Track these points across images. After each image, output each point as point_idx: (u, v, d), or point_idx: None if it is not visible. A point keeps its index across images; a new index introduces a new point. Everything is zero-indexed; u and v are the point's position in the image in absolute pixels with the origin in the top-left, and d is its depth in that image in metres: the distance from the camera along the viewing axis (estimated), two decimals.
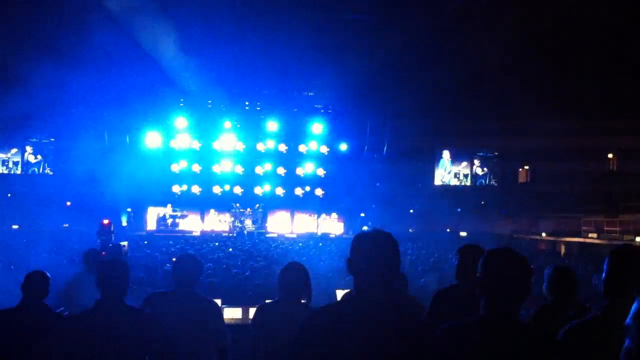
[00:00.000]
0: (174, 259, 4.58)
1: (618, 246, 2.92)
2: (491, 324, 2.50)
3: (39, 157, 24.30)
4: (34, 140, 24.22)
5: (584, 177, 22.93)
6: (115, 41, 17.62)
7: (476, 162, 27.07)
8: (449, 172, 26.95)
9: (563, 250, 21.88)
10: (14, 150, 24.30)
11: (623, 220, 21.27)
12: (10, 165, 24.26)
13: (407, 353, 2.33)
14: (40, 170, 24.27)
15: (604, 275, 2.78)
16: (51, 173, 23.80)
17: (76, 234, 16.71)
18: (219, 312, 4.53)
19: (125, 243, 9.34)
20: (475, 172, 27.04)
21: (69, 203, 22.68)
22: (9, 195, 22.28)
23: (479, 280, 2.60)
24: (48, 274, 4.35)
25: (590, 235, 22.18)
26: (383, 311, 2.37)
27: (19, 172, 24.23)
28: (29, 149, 24.34)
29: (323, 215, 25.15)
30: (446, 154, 26.89)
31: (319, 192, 25.36)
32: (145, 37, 17.94)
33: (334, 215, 25.27)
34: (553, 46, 18.71)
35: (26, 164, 24.32)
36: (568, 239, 22.66)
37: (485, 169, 27.00)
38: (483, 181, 26.99)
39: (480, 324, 2.53)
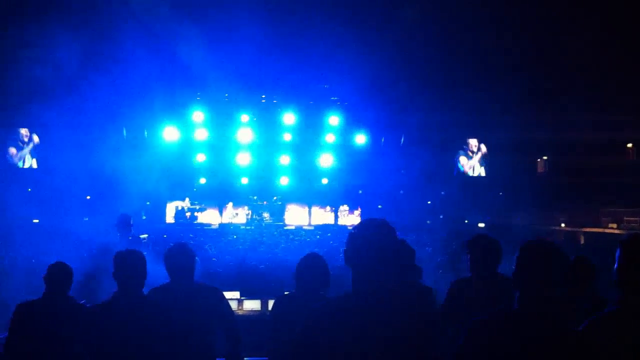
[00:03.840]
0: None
1: (628, 235, 2.89)
2: (523, 317, 2.49)
3: (56, 150, 24.35)
4: (52, 133, 24.29)
5: (602, 168, 22.76)
6: (132, 35, 17.72)
7: (475, 146, 26.77)
8: (465, 163, 26.75)
9: (582, 240, 21.72)
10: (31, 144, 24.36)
11: None
12: (29, 159, 24.36)
13: (412, 345, 2.30)
14: (59, 165, 24.33)
15: (615, 266, 2.76)
16: (70, 168, 23.93)
17: (96, 227, 16.86)
18: (221, 297, 4.57)
19: (145, 236, 9.44)
20: (493, 163, 26.83)
21: (88, 197, 22.85)
22: (29, 189, 22.47)
23: (512, 274, 2.59)
24: (70, 266, 4.40)
25: (610, 225, 22.00)
26: (382, 303, 2.35)
27: (37, 166, 24.32)
28: (25, 134, 24.31)
29: (341, 207, 25.11)
30: (463, 146, 26.67)
31: (336, 184, 25.32)
32: (162, 31, 18.00)
33: (349, 207, 25.20)
34: (570, 39, 18.57)
35: (44, 159, 24.39)
36: (587, 229, 22.50)
37: (502, 160, 26.78)
38: (501, 172, 26.78)
39: (512, 317, 2.51)
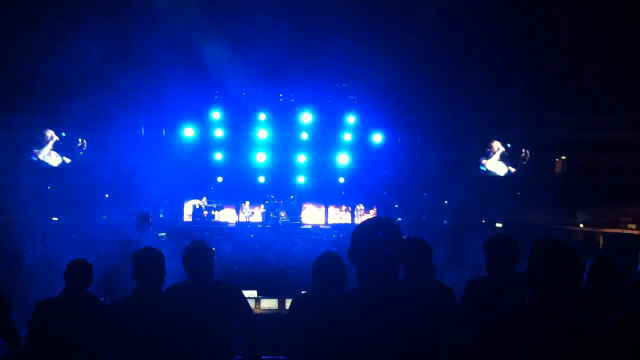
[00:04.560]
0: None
1: None
2: (534, 315, 2.48)
3: (76, 149, 24.51)
4: (72, 132, 24.46)
5: (621, 168, 22.56)
6: (152, 35, 17.82)
7: (498, 148, 26.70)
8: (486, 162, 26.66)
9: (601, 241, 21.52)
10: (51, 143, 24.52)
11: None
12: (48, 158, 24.52)
13: (418, 342, 2.30)
14: (79, 164, 24.49)
15: (639, 267, 2.75)
16: (89, 166, 24.08)
17: (114, 225, 16.98)
18: (240, 295, 4.61)
19: (163, 234, 9.50)
20: (511, 163, 26.72)
21: (107, 195, 23.00)
22: (49, 187, 22.65)
23: (525, 272, 2.59)
24: (90, 263, 4.44)
25: (629, 226, 21.80)
26: (385, 300, 2.35)
27: (51, 163, 24.48)
28: (50, 134, 24.48)
29: (357, 207, 25.08)
30: (485, 149, 26.61)
31: (353, 183, 25.33)
32: (181, 30, 18.10)
33: (365, 206, 25.17)
34: (587, 39, 18.44)
35: (52, 151, 24.55)
36: (606, 230, 22.29)
37: (520, 159, 26.65)
38: (518, 172, 26.66)
39: (522, 317, 2.51)
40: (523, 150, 26.04)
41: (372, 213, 24.96)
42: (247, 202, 24.61)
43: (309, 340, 3.66)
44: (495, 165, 26.61)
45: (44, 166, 24.15)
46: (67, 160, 24.31)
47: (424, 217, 23.30)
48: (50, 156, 24.28)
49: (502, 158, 26.50)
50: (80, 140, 24.24)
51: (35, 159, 24.02)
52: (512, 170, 26.44)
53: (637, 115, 20.22)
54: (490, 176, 26.54)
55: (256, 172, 25.01)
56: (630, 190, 22.39)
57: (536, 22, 18.05)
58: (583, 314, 3.62)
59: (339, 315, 2.46)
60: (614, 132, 21.05)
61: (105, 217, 21.43)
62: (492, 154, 26.60)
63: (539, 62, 20.17)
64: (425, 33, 18.34)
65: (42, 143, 24.25)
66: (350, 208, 25.16)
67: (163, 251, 4.21)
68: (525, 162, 26.35)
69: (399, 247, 2.49)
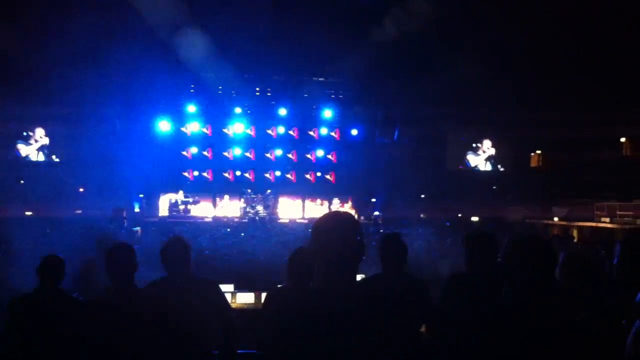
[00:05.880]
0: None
1: (631, 232, 2.89)
2: (516, 311, 2.48)
3: (50, 143, 24.26)
4: (45, 126, 24.19)
5: (596, 164, 22.89)
6: (125, 27, 17.64)
7: (487, 148, 26.97)
8: (471, 159, 26.94)
9: (576, 235, 21.77)
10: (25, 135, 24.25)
11: (637, 204, 21.13)
12: (22, 151, 24.24)
13: (377, 338, 2.28)
14: (52, 157, 24.24)
15: (615, 261, 2.75)
16: (63, 160, 23.82)
17: (89, 220, 16.81)
18: (218, 290, 4.59)
19: (138, 229, 9.41)
20: (487, 158, 26.96)
21: (81, 189, 22.77)
22: (22, 181, 22.37)
23: (502, 267, 2.59)
24: (61, 258, 4.37)
25: (602, 219, 22.05)
26: (347, 296, 2.33)
27: (31, 158, 24.22)
28: (39, 134, 24.28)
29: (334, 201, 25.12)
30: (473, 145, 26.89)
31: (330, 177, 25.36)
32: (155, 22, 17.94)
33: (340, 200, 25.22)
34: (566, 38, 18.61)
35: (38, 151, 24.32)
36: (580, 224, 22.55)
37: (497, 155, 26.90)
38: (495, 167, 26.90)
39: (503, 311, 2.51)
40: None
41: (348, 207, 25.04)
42: (225, 196, 24.55)
43: (279, 334, 3.64)
44: (481, 163, 26.91)
45: (20, 161, 23.90)
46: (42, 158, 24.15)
47: (421, 215, 23.40)
48: (37, 156, 24.13)
49: (489, 159, 26.83)
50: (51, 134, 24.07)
51: (21, 155, 23.87)
52: (501, 169, 26.82)
53: (611, 112, 20.49)
54: (467, 171, 26.75)
55: (233, 165, 24.93)
56: (604, 185, 22.71)
57: (512, 24, 18.16)
58: (563, 310, 3.64)
59: (306, 309, 2.44)
60: (589, 129, 21.31)
61: (80, 211, 21.23)
62: (481, 152, 26.89)
63: (514, 61, 20.31)
64: (403, 31, 18.39)
65: (28, 141, 24.10)
66: (326, 202, 25.20)
67: (137, 246, 4.16)
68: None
69: (356, 241, 2.46)
